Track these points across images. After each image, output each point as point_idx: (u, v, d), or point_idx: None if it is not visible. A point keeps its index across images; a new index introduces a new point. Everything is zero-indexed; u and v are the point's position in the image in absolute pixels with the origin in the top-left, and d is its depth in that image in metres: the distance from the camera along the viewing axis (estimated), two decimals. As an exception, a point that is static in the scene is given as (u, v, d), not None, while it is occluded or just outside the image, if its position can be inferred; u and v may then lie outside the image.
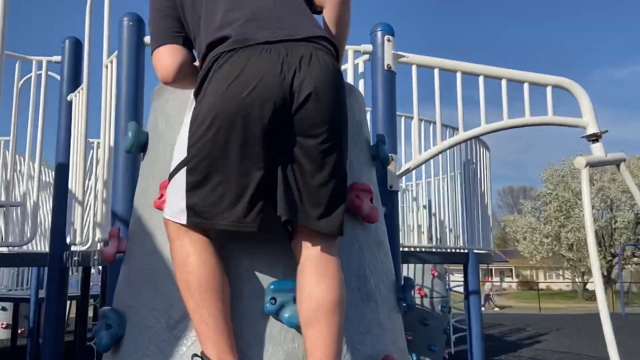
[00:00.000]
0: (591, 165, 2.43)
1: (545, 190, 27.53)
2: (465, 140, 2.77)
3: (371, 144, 1.86)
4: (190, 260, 1.36)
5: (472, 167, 4.27)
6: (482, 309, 6.93)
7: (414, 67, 2.42)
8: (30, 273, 7.23)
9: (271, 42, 1.37)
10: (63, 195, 3.26)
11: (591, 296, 32.05)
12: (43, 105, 3.47)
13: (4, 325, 9.15)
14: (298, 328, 1.39)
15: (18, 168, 4.55)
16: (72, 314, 7.20)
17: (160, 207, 1.60)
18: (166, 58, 1.52)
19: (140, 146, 1.84)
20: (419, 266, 5.90)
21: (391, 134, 2.27)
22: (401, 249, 2.98)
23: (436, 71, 2.42)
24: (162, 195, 1.61)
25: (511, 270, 44.95)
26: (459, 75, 2.42)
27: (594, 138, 2.48)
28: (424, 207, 4.28)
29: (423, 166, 3.75)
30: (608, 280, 25.78)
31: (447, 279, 7.86)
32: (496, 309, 9.09)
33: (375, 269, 1.62)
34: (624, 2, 73.17)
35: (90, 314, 7.59)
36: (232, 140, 1.31)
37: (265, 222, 1.35)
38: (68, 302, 5.54)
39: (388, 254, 1.76)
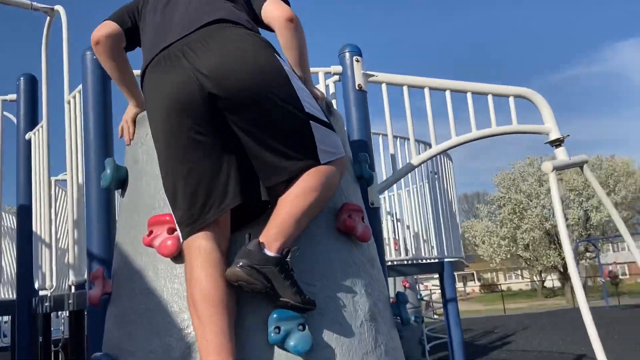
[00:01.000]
0: (557, 169, 2.52)
1: (498, 194, 28.31)
2: (439, 153, 2.83)
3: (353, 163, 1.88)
4: (194, 273, 1.39)
5: (436, 177, 4.36)
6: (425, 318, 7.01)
7: (383, 86, 2.46)
8: (9, 321, 6.88)
9: (167, 47, 1.50)
10: (27, 239, 3.12)
11: (549, 294, 33.11)
12: (0, 147, 3.33)
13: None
14: (305, 355, 1.37)
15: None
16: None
17: (150, 244, 1.55)
18: (102, 26, 1.69)
19: (119, 182, 1.79)
20: (390, 279, 5.95)
21: (368, 152, 2.29)
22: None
23: (405, 88, 2.48)
24: (151, 232, 1.57)
25: (473, 274, 45.81)
26: (427, 91, 2.48)
27: (557, 143, 2.59)
28: (398, 220, 4.34)
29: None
30: (564, 277, 26.62)
31: (417, 289, 7.96)
32: (435, 316, 9.18)
33: (372, 287, 1.63)
34: (558, 4, 76.86)
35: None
36: (171, 146, 1.44)
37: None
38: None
39: (380, 271, 1.78)
